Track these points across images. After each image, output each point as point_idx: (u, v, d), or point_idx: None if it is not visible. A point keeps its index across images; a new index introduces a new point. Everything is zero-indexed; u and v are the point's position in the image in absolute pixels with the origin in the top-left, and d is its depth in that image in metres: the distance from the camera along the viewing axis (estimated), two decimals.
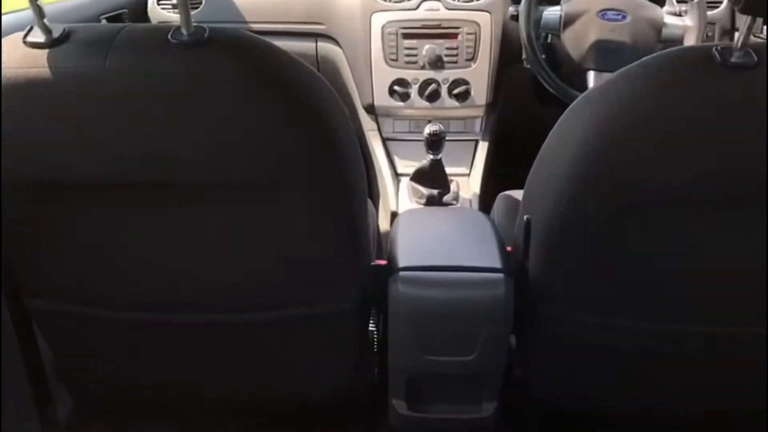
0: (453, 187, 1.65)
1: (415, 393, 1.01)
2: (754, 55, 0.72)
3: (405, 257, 0.94)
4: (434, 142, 1.47)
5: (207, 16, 1.70)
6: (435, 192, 1.55)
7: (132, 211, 0.80)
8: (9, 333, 0.95)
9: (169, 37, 0.71)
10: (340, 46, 1.69)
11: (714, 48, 0.73)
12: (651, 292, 0.85)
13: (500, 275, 0.91)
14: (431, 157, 1.51)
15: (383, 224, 1.61)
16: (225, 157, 0.73)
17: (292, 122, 0.73)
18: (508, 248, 0.98)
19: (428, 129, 1.46)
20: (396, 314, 0.92)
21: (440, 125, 1.46)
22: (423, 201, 1.57)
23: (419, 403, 1.02)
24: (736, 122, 0.72)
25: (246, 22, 1.70)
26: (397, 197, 1.63)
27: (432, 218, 1.11)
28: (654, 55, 0.78)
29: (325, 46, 1.72)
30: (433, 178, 1.56)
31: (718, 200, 0.76)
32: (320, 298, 0.90)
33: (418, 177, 1.58)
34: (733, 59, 0.71)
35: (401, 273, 0.91)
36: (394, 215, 1.59)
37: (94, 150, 0.73)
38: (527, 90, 1.69)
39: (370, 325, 1.06)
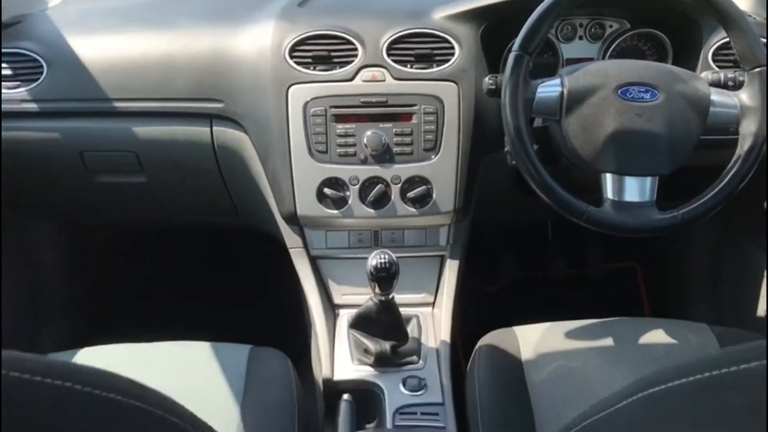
0: (412, 328, 1.16)
1: None
2: None
3: None
4: (383, 280, 0.99)
5: (51, 93, 1.18)
6: (387, 345, 1.07)
7: None
8: None
9: None
10: (246, 131, 1.18)
11: None
12: None
13: None
14: (379, 298, 1.03)
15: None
16: None
17: None
18: None
19: (373, 261, 0.98)
20: None
21: (389, 255, 0.98)
22: (370, 360, 1.08)
23: None
24: None
25: (108, 100, 1.18)
26: (333, 351, 1.13)
27: None
28: None
29: (223, 132, 1.20)
30: (382, 325, 1.07)
31: None
32: None
33: (362, 324, 1.09)
34: None
35: None
36: (330, 390, 1.08)
37: None
38: (510, 182, 1.22)
39: None
